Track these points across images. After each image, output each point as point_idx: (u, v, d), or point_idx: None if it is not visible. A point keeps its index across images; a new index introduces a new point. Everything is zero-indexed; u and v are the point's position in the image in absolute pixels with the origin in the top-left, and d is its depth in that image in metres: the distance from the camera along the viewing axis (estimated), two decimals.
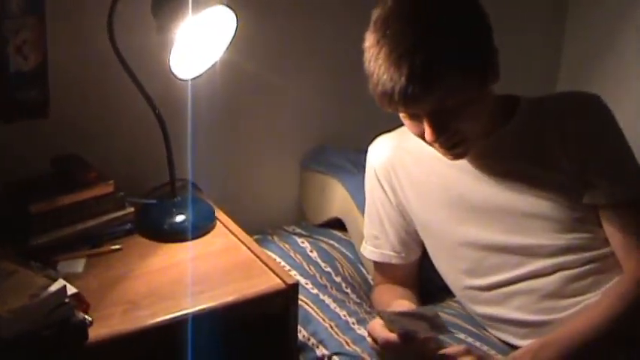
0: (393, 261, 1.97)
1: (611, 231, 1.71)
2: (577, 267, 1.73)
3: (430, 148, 1.74)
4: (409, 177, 1.91)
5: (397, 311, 1.71)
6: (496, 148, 1.78)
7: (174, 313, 1.63)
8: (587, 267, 1.73)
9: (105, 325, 1.56)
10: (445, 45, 1.57)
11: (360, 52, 1.67)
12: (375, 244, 1.99)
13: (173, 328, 1.62)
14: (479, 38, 1.64)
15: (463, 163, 1.79)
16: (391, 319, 1.66)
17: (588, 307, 1.69)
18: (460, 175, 1.82)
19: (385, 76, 1.58)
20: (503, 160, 1.78)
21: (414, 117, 1.67)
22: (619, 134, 1.75)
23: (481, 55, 1.64)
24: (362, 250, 2.05)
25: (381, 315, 1.71)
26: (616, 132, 1.75)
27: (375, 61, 1.61)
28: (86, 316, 1.52)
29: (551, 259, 1.74)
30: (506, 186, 1.77)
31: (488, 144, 1.77)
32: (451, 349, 1.63)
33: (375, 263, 2.03)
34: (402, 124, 1.76)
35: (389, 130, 1.96)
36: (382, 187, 1.95)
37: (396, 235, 1.96)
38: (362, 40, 1.67)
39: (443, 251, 1.92)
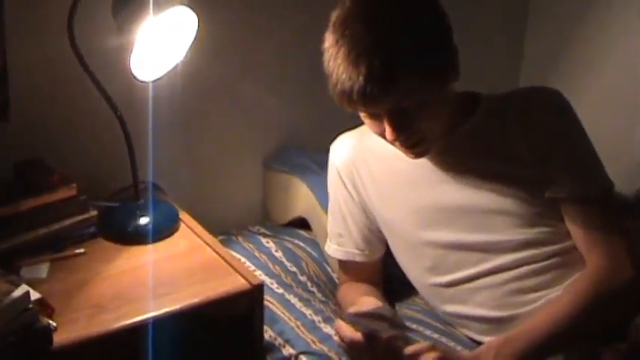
0: (357, 259, 1.98)
1: (572, 226, 1.73)
2: (540, 261, 1.74)
3: (392, 146, 1.75)
4: (371, 175, 1.92)
5: (356, 312, 1.71)
6: (457, 145, 1.79)
7: (139, 316, 1.62)
8: (550, 261, 1.74)
9: (70, 329, 1.55)
10: (403, 46, 1.58)
11: (322, 53, 1.67)
12: (339, 242, 2.00)
13: (139, 331, 1.61)
14: (438, 39, 1.65)
15: (424, 161, 1.80)
16: (352, 321, 1.67)
17: (550, 302, 1.70)
18: (422, 174, 1.83)
19: (344, 76, 1.59)
20: (464, 158, 1.79)
21: (375, 116, 1.68)
22: (581, 130, 1.76)
23: (440, 56, 1.65)
24: (326, 248, 2.05)
25: (342, 318, 1.72)
26: (578, 128, 1.76)
27: (334, 60, 1.62)
28: (51, 322, 1.51)
29: (514, 253, 1.75)
30: (467, 184, 1.78)
31: (449, 142, 1.78)
32: (416, 347, 1.63)
33: (340, 261, 2.03)
34: (364, 123, 1.77)
35: (351, 129, 1.96)
36: (345, 185, 1.96)
37: (360, 232, 1.97)
38: (323, 40, 1.67)
39: (405, 249, 1.93)
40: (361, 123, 1.78)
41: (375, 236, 1.97)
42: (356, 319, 1.67)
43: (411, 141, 1.69)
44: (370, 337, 1.63)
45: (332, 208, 2.02)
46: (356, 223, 1.97)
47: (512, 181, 1.74)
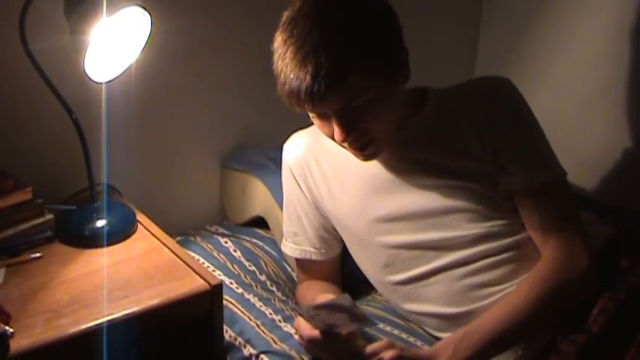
0: (314, 257, 1.98)
1: (527, 216, 1.75)
2: (495, 255, 1.75)
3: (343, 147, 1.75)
4: (323, 173, 1.92)
5: (314, 305, 1.71)
6: (407, 141, 1.79)
7: (97, 319, 1.61)
8: (505, 255, 1.75)
9: (27, 335, 1.53)
10: (351, 44, 1.58)
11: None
12: (295, 240, 2.00)
13: (97, 334, 1.60)
14: (386, 38, 1.65)
15: (376, 160, 1.80)
16: (310, 315, 1.66)
17: (509, 294, 1.71)
18: (373, 173, 1.83)
19: (292, 75, 1.58)
20: (415, 153, 1.79)
21: (324, 117, 1.67)
22: (532, 119, 1.78)
23: (389, 55, 1.65)
24: (282, 247, 2.05)
25: (300, 312, 1.72)
26: (529, 117, 1.78)
27: (282, 60, 1.61)
28: (7, 328, 1.49)
29: (469, 248, 1.76)
30: (419, 184, 1.78)
31: (399, 138, 1.78)
32: (375, 345, 1.64)
33: (297, 260, 2.03)
34: None
35: (305, 127, 1.96)
36: (298, 184, 1.96)
37: (315, 231, 1.97)
38: (273, 40, 1.67)
39: (360, 248, 1.93)
40: None
41: (330, 234, 1.97)
42: (314, 313, 1.66)
43: (361, 142, 1.69)
44: (328, 333, 1.63)
45: (287, 206, 2.02)
46: (311, 222, 1.97)
47: (464, 176, 1.75)
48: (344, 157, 1.82)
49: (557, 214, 1.73)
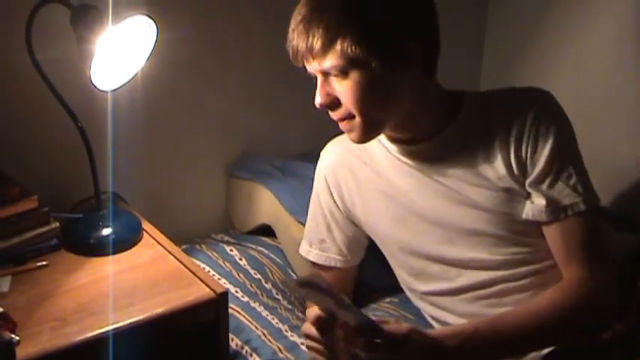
0: (339, 265, 1.94)
1: (551, 240, 1.68)
2: (517, 280, 1.71)
3: (377, 152, 1.76)
4: (356, 181, 1.88)
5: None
6: (440, 149, 1.74)
7: (103, 327, 1.61)
8: (528, 280, 1.71)
9: (33, 343, 1.54)
10: (351, 8, 1.57)
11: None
12: (322, 247, 1.95)
13: (102, 343, 1.60)
14: (394, 17, 1.60)
15: (408, 167, 1.77)
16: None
17: (524, 303, 1.67)
18: (404, 180, 1.79)
19: (295, 31, 1.59)
20: (447, 164, 1.74)
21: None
22: (570, 140, 1.71)
23: (388, 35, 1.59)
24: (305, 253, 1.98)
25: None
26: (566, 138, 1.69)
27: (294, 20, 1.61)
28: (13, 336, 1.50)
29: (491, 272, 1.73)
30: (448, 197, 1.74)
31: (431, 144, 1.74)
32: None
33: (315, 265, 1.99)
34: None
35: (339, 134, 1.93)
36: (331, 194, 1.92)
37: (344, 239, 1.93)
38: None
39: (390, 255, 1.91)
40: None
41: (358, 242, 1.94)
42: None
43: (338, 114, 1.65)
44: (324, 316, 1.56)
45: (315, 214, 1.97)
46: (341, 230, 1.92)
47: (492, 198, 1.70)
48: (377, 167, 1.81)
49: (582, 239, 1.66)
